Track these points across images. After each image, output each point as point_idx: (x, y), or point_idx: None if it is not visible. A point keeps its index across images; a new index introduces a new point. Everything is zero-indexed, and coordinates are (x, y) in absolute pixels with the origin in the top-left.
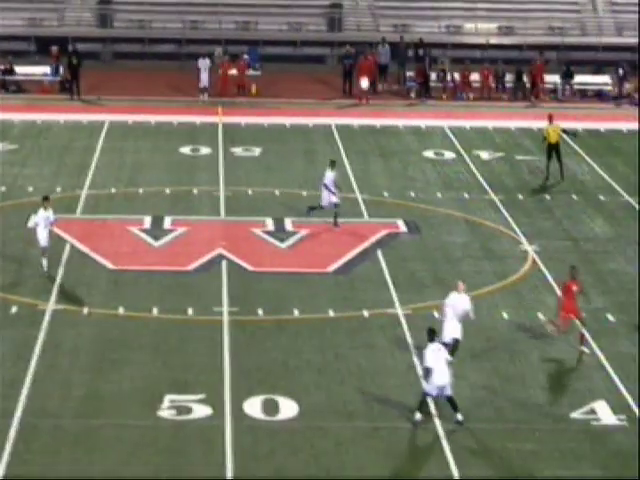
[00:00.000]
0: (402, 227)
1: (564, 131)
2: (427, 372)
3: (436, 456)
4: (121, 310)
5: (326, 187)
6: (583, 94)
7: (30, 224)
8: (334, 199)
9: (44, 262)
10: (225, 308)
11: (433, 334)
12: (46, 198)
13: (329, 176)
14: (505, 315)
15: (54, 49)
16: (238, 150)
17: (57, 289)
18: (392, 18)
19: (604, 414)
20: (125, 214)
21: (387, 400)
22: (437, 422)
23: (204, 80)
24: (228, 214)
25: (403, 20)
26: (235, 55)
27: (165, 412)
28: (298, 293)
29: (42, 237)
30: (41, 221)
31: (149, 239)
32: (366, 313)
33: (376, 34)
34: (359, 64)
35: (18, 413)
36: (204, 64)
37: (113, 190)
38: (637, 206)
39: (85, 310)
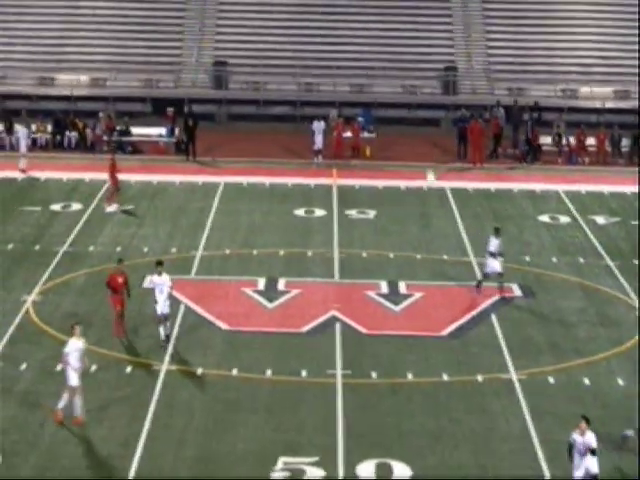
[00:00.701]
0: (517, 291)
1: None
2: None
3: None
4: (235, 371)
5: (491, 254)
6: None
7: (145, 284)
8: (498, 268)
9: (162, 331)
10: (339, 370)
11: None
12: (160, 263)
13: (494, 243)
14: (620, 382)
15: (170, 110)
16: (352, 212)
17: (172, 349)
18: (507, 81)
19: None
20: (239, 275)
21: (501, 466)
22: None
23: (318, 142)
24: (342, 276)
25: (518, 83)
26: (349, 117)
27: (279, 474)
28: (412, 356)
29: (159, 304)
30: (157, 287)
31: (263, 300)
32: (480, 377)
33: (491, 97)
34: (469, 127)
35: (132, 473)
36: (318, 126)
37: (228, 251)
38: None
39: (199, 371)
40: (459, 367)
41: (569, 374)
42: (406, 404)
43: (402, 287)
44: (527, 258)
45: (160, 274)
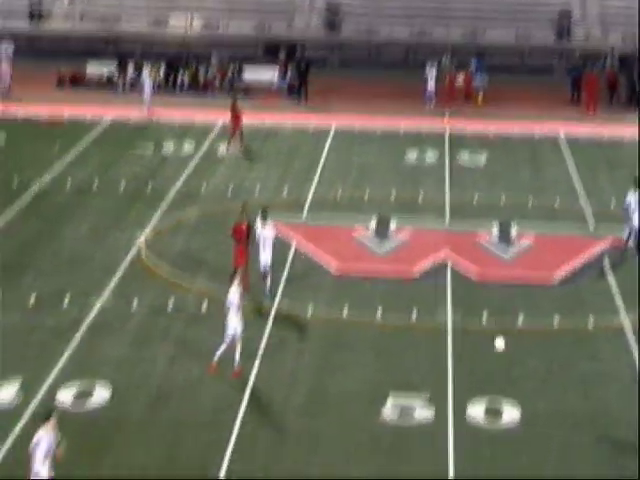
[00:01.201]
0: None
1: None
2: None
3: None
4: (345, 314)
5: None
6: None
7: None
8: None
9: (267, 283)
10: (449, 315)
11: None
12: (264, 212)
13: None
14: None
15: (282, 54)
16: (464, 158)
17: (282, 291)
18: (622, 27)
19: None
20: (350, 219)
21: (611, 411)
22: None
23: (431, 88)
24: (453, 221)
25: (634, 30)
26: (462, 64)
27: (388, 413)
28: (522, 302)
29: (263, 257)
30: (261, 240)
31: (373, 244)
32: (591, 324)
33: (605, 44)
34: (584, 76)
35: (241, 410)
36: (431, 72)
37: (339, 195)
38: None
39: (309, 312)
40: (570, 313)
41: None
42: (516, 349)
43: (513, 233)
44: None
45: (264, 226)
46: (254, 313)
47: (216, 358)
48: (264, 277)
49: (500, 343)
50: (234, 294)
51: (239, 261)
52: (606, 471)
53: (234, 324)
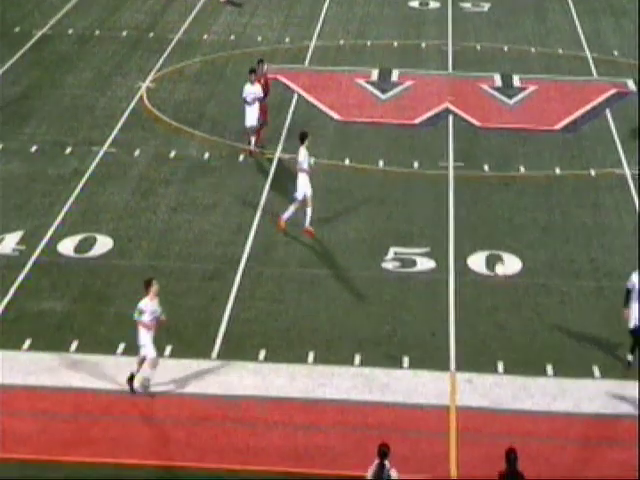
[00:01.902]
0: (632, 86)
1: None
2: None
3: None
4: (347, 161)
5: None
6: None
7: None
8: None
9: (252, 140)
10: (451, 163)
11: None
12: (252, 71)
13: None
14: None
15: None
16: (467, 5)
17: (284, 138)
18: None
19: None
20: (353, 66)
21: (612, 260)
22: None
23: None
24: (456, 69)
25: None
26: None
27: (389, 264)
28: (525, 150)
29: (249, 116)
30: (247, 96)
31: (376, 91)
32: (593, 172)
33: None
34: None
35: (243, 260)
36: None
37: (341, 42)
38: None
39: (312, 160)
40: (572, 161)
41: None
42: (518, 197)
43: (516, 80)
44: None
45: (252, 83)
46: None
47: (285, 218)
48: (249, 135)
49: (501, 269)
50: (303, 156)
51: (264, 116)
52: (603, 321)
53: (303, 186)
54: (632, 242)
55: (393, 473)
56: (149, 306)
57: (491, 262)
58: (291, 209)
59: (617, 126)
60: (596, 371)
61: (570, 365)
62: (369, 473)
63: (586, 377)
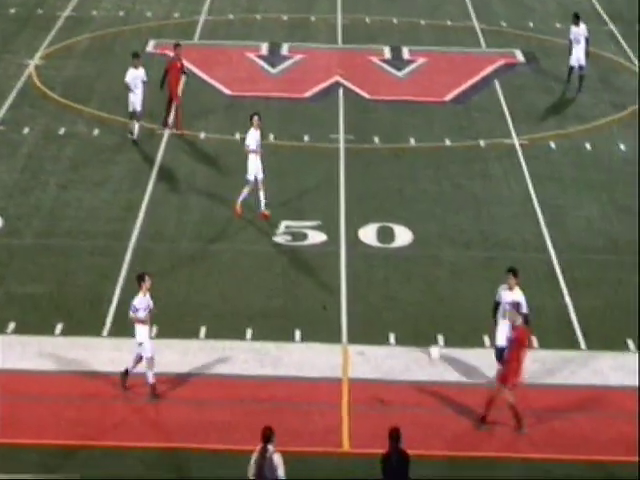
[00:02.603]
0: (520, 57)
1: None
2: None
3: (550, 285)
4: (237, 136)
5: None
6: None
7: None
8: (582, 59)
9: (135, 128)
10: (341, 136)
11: None
12: (136, 55)
13: (573, 32)
14: (622, 147)
15: None
16: None
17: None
18: None
19: None
20: (243, 40)
21: (502, 230)
22: (552, 254)
23: None
24: (345, 42)
25: None
26: None
27: (280, 238)
28: (415, 122)
29: (134, 100)
30: (132, 81)
31: (266, 66)
32: (483, 143)
33: None
34: None
35: (134, 237)
36: None
37: (231, 16)
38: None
39: (202, 135)
40: (461, 132)
41: (571, 139)
42: (408, 169)
43: (405, 53)
44: (530, 24)
45: (137, 67)
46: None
47: (239, 202)
48: (131, 118)
49: (435, 352)
50: (251, 138)
51: (178, 99)
52: (493, 291)
53: (253, 168)
54: (520, 211)
55: (276, 457)
56: (143, 302)
57: (382, 234)
58: (244, 192)
59: (506, 96)
60: (486, 340)
61: (461, 335)
62: (252, 458)
63: (477, 347)
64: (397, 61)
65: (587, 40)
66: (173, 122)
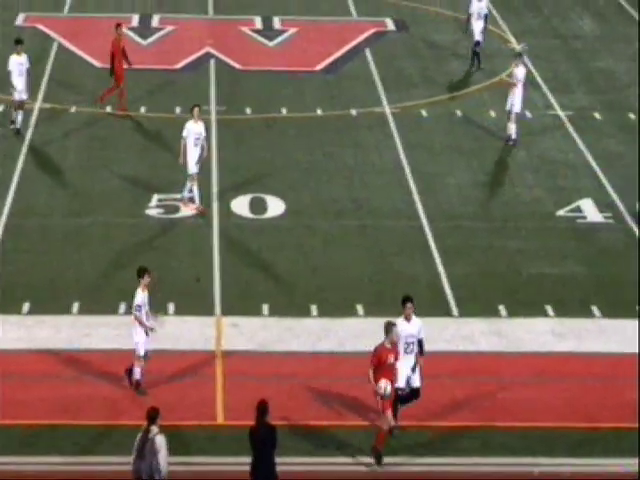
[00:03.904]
0: (390, 25)
1: None
2: None
3: (422, 253)
4: (109, 109)
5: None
6: None
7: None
8: (477, 34)
9: (19, 117)
10: (213, 107)
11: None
12: (19, 41)
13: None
14: (493, 113)
15: None
16: None
17: (44, 87)
18: None
19: (590, 212)
20: (113, 12)
21: (374, 199)
22: (424, 222)
23: None
24: (216, 12)
25: None
26: None
27: (153, 211)
28: (286, 92)
29: (18, 87)
30: (15, 68)
31: (137, 37)
32: (354, 112)
33: None
34: None
35: (5, 213)
36: None
37: None
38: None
39: (73, 109)
40: (333, 102)
41: (442, 106)
42: (280, 140)
43: (276, 22)
44: None
45: (19, 53)
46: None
47: (186, 198)
48: (17, 109)
49: (384, 387)
50: (187, 130)
51: (122, 80)
52: (366, 259)
53: (191, 161)
54: (392, 180)
55: (158, 440)
56: (144, 299)
57: (254, 205)
58: (189, 186)
59: (377, 65)
60: (360, 310)
61: (335, 305)
62: (138, 435)
63: (350, 316)
64: (268, 31)
65: (486, 16)
66: (117, 103)
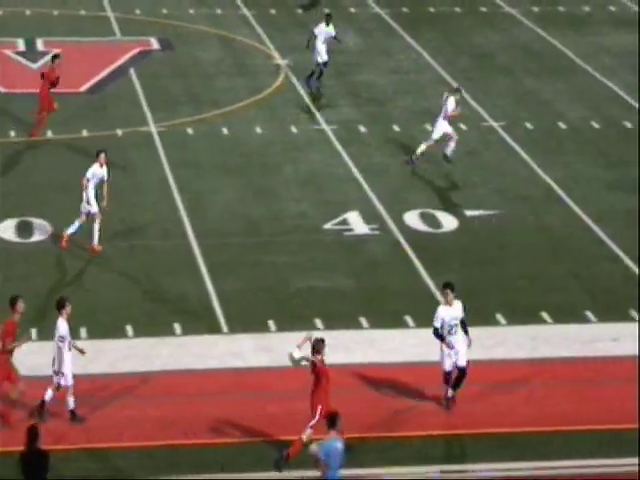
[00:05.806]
0: (155, 45)
1: None
2: None
3: (191, 272)
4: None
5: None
6: None
7: None
8: (323, 56)
9: None
10: None
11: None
12: None
13: (323, 32)
14: (259, 130)
15: None
16: None
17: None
18: None
19: (356, 224)
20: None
21: (143, 217)
22: (192, 240)
23: None
24: None
25: None
26: None
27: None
28: (52, 116)
29: None
30: None
31: None
32: (120, 132)
33: None
34: None
35: None
36: None
37: None
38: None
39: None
40: (98, 122)
41: (208, 124)
42: (46, 162)
43: (40, 44)
44: (164, 10)
45: None
46: None
47: (68, 233)
48: None
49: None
50: (92, 174)
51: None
52: (135, 277)
53: (92, 201)
54: (160, 199)
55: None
56: (66, 328)
57: (21, 228)
58: (77, 224)
59: (142, 84)
60: (129, 330)
61: (104, 326)
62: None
63: (121, 338)
64: (31, 53)
65: (335, 38)
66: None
